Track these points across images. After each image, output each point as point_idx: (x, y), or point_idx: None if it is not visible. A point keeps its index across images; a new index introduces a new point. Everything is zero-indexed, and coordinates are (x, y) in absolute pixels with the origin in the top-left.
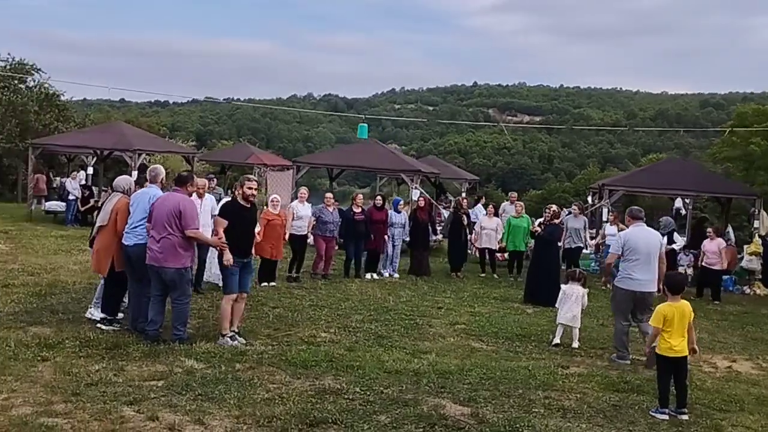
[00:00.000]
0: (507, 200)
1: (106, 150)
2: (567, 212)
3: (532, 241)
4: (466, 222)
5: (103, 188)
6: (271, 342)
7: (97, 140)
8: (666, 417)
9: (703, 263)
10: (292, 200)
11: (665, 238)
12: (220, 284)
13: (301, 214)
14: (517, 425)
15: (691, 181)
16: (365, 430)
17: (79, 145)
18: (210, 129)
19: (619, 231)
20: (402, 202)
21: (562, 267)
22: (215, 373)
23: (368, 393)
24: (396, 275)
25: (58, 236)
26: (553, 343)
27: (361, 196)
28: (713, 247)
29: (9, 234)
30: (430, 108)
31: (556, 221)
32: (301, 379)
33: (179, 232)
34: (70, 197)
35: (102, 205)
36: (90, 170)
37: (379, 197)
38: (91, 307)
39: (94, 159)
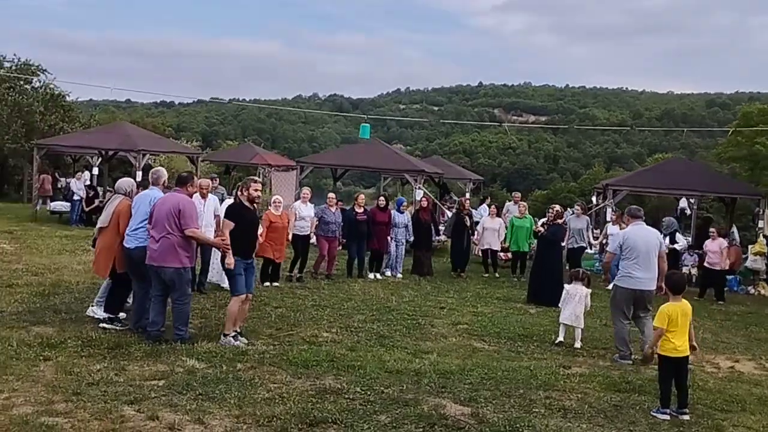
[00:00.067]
0: (511, 200)
1: (111, 150)
2: (570, 212)
3: (536, 241)
4: (468, 223)
5: (108, 188)
6: (273, 342)
7: (101, 141)
8: (667, 417)
9: (705, 263)
10: (295, 200)
11: (667, 238)
12: (222, 284)
13: (304, 215)
14: (518, 425)
15: (695, 181)
16: (365, 430)
17: (84, 146)
18: (215, 129)
19: (621, 230)
20: (405, 203)
21: (566, 267)
22: (216, 373)
23: (369, 393)
24: (399, 275)
25: (62, 236)
26: (557, 341)
27: (362, 196)
28: (714, 247)
29: (14, 234)
30: (436, 108)
31: (559, 221)
32: (301, 379)
33: (178, 231)
34: (75, 197)
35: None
36: (95, 170)
37: (382, 198)
38: (93, 305)
39: (99, 159)
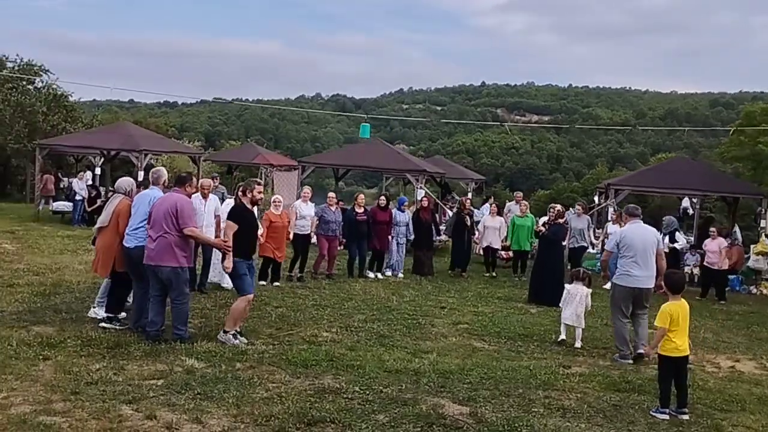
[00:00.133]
0: (512, 200)
1: (113, 150)
2: (572, 212)
3: (537, 240)
4: (469, 222)
5: (110, 188)
6: (273, 341)
7: (103, 141)
8: (666, 417)
9: (705, 262)
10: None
11: (667, 237)
12: (222, 284)
13: (304, 214)
14: (516, 425)
15: (697, 181)
16: (363, 429)
17: (86, 146)
18: (218, 129)
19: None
20: (407, 202)
21: (567, 267)
22: (215, 372)
23: (367, 392)
24: (400, 275)
25: (64, 236)
26: (559, 339)
27: (362, 196)
28: (714, 247)
29: (16, 234)
30: (438, 108)
31: (561, 221)
32: (300, 379)
33: (176, 231)
34: (77, 197)
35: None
36: (98, 170)
37: (383, 197)
38: (94, 306)
39: (102, 159)
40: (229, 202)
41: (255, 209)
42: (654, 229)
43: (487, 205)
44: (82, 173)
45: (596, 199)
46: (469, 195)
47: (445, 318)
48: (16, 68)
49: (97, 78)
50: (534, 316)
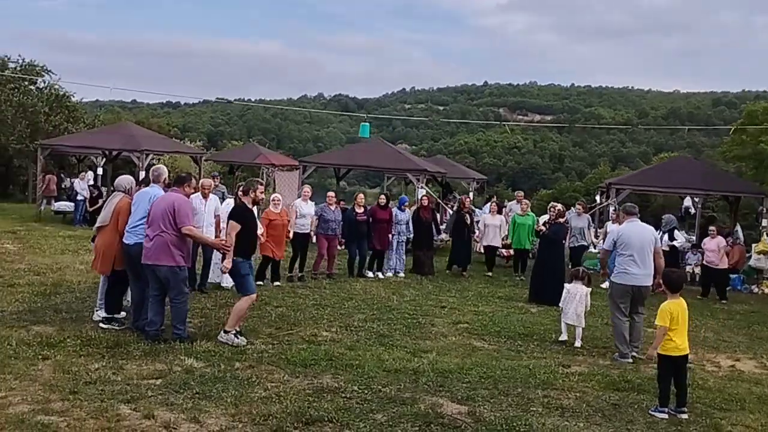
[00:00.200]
0: (514, 199)
1: (114, 150)
2: (572, 211)
3: (538, 240)
4: (469, 221)
5: (112, 188)
6: (272, 341)
7: (105, 141)
8: (665, 416)
9: (704, 261)
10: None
11: (666, 235)
12: (222, 284)
13: (304, 212)
14: (514, 424)
15: (698, 180)
16: (361, 429)
17: (87, 146)
18: (221, 129)
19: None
20: (408, 202)
21: (568, 266)
22: (214, 372)
23: (366, 392)
24: (401, 274)
25: (66, 236)
26: (560, 339)
27: (362, 195)
28: (713, 246)
29: (17, 234)
30: (441, 108)
31: (561, 220)
32: (299, 378)
33: (173, 230)
34: (79, 197)
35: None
36: (99, 171)
37: (382, 196)
38: (97, 309)
39: (104, 160)
40: (229, 202)
41: (255, 209)
42: (651, 228)
43: (490, 204)
44: (83, 173)
45: (598, 198)
46: (471, 195)
47: (446, 317)
48: (18, 69)
49: (99, 78)
50: (534, 316)
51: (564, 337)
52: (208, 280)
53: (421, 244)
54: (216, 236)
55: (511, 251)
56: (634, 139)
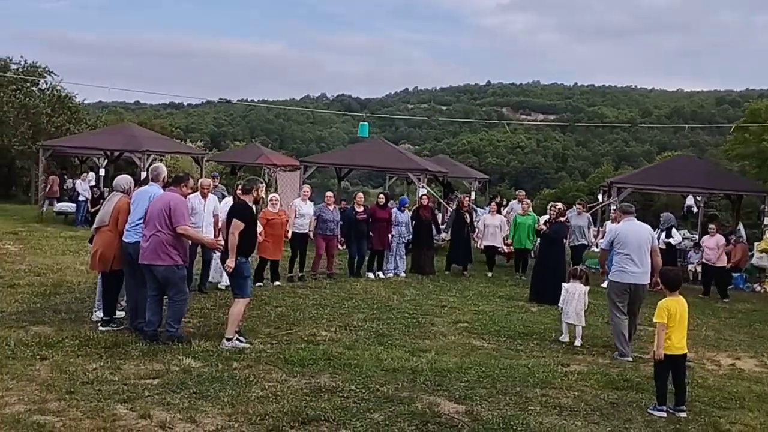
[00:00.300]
0: (515, 198)
1: (116, 151)
2: (573, 210)
3: (538, 239)
4: (468, 220)
5: (110, 188)
6: (271, 341)
7: (106, 142)
8: (664, 414)
9: (703, 259)
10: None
11: (663, 233)
12: (220, 285)
13: (303, 212)
14: (512, 423)
15: (700, 179)
16: (357, 428)
17: (89, 147)
18: (224, 130)
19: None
20: (408, 203)
21: (570, 265)
22: (212, 372)
23: (363, 391)
24: (402, 274)
25: (67, 237)
26: (561, 339)
27: (361, 195)
28: (712, 244)
29: (19, 235)
30: (444, 108)
31: (562, 219)
32: (297, 378)
33: (169, 229)
34: (81, 198)
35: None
36: (102, 172)
37: (381, 195)
38: (96, 310)
39: (106, 160)
40: (228, 201)
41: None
42: (648, 227)
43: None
44: (85, 174)
45: (600, 197)
46: (472, 194)
47: (446, 317)
48: (21, 70)
49: (101, 79)
50: (535, 315)
51: (566, 338)
52: (209, 280)
53: (421, 244)
54: (215, 236)
55: (512, 248)
56: (638, 138)
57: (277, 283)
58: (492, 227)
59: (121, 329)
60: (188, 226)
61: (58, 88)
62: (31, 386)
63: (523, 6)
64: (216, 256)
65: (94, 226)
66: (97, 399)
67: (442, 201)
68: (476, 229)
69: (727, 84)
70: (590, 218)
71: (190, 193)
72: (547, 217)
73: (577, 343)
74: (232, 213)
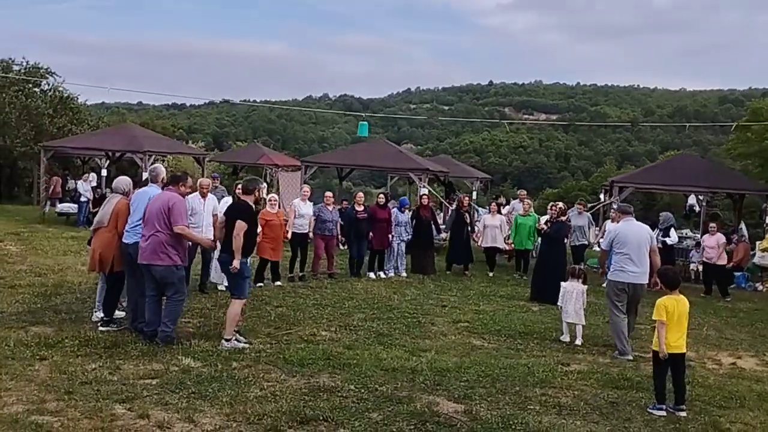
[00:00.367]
0: (517, 198)
1: (117, 152)
2: (573, 210)
3: (539, 239)
4: (468, 219)
5: (109, 190)
6: (271, 341)
7: (107, 142)
8: (663, 413)
9: (703, 258)
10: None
11: (661, 233)
12: (220, 285)
13: (303, 212)
14: (511, 422)
15: (701, 178)
16: (356, 428)
17: (90, 147)
18: (226, 131)
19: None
20: (409, 204)
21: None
22: (211, 372)
23: (363, 390)
24: (403, 274)
25: (68, 237)
26: (563, 339)
27: (361, 194)
28: (712, 242)
29: (20, 236)
30: (446, 107)
31: (563, 219)
32: (296, 377)
33: (167, 229)
34: (82, 199)
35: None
36: (104, 172)
37: (381, 195)
38: (96, 310)
39: (108, 161)
40: (227, 200)
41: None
42: (647, 227)
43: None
44: (86, 175)
45: (601, 196)
46: (474, 194)
47: (446, 316)
48: (23, 71)
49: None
50: (535, 314)
51: (566, 338)
52: (209, 280)
53: (421, 243)
54: (214, 236)
55: (512, 246)
56: (640, 137)
57: (278, 283)
58: (492, 228)
59: (122, 329)
60: (186, 226)
61: (60, 89)
62: (30, 386)
63: (524, 6)
64: (215, 257)
65: (93, 227)
66: (96, 399)
67: (443, 201)
68: (476, 230)
69: (730, 83)
70: (590, 218)
71: (189, 193)
72: (547, 216)
73: (578, 342)
74: (235, 213)
